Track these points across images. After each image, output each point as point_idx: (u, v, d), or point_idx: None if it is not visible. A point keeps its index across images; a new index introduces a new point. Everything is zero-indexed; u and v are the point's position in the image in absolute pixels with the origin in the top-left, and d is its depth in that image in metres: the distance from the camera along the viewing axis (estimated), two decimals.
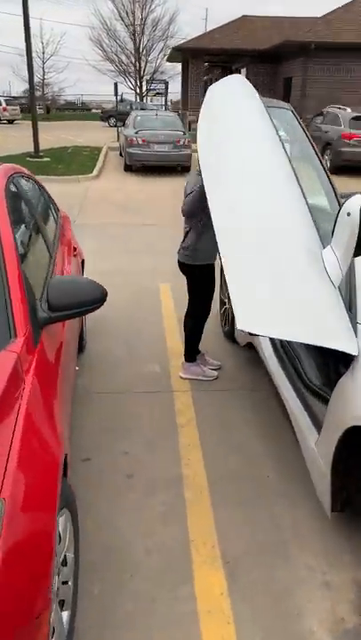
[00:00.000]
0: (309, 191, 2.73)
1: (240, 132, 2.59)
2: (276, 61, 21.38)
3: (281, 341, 3.23)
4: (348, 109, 13.95)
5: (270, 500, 2.54)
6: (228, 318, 4.17)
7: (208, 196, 2.33)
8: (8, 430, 1.52)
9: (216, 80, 2.90)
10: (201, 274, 3.42)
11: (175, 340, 4.28)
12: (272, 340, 3.31)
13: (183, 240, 3.36)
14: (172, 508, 2.50)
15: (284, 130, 3.12)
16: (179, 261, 3.44)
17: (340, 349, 2.09)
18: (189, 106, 22.86)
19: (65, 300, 2.11)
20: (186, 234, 3.33)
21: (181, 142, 12.96)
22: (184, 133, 13.38)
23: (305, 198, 2.49)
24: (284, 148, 2.62)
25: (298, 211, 2.39)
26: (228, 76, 2.83)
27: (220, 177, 2.44)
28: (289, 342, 3.13)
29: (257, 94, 2.73)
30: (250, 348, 3.63)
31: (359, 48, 18.60)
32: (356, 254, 2.22)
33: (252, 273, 2.15)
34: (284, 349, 3.15)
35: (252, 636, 1.90)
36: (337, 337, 2.10)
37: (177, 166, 13.17)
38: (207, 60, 23.17)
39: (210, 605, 2.01)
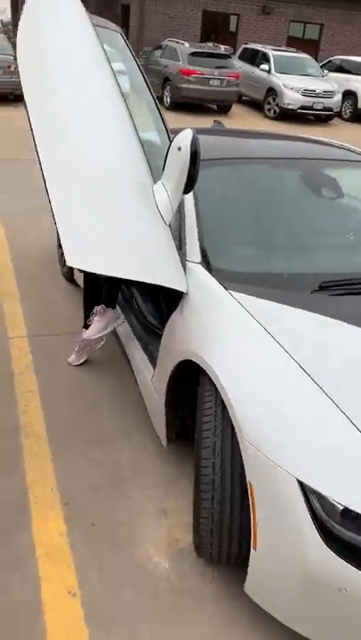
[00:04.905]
0: (141, 125, 2.64)
1: (67, 57, 2.37)
2: None
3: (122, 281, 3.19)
4: (187, 44, 13.82)
5: (110, 442, 2.56)
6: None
7: (33, 126, 2.12)
8: None
9: None
10: None
11: None
12: None
13: None
14: (7, 458, 2.41)
15: (117, 57, 2.96)
16: None
17: (171, 287, 2.11)
18: None
19: None
20: None
21: (13, 68, 11.90)
22: (15, 58, 12.26)
23: (136, 132, 2.40)
24: (115, 76, 2.48)
25: (128, 145, 2.31)
26: None
27: (45, 105, 2.23)
28: (126, 282, 3.11)
29: (84, 10, 2.51)
30: None
31: None
32: (185, 191, 2.21)
33: (82, 208, 2.04)
34: (122, 290, 3.12)
35: (91, 571, 1.93)
36: (167, 274, 2.11)
37: (9, 94, 12.13)
38: None
39: (48, 548, 2.00)
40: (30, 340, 3.33)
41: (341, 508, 1.43)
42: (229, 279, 2.14)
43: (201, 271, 2.20)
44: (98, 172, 2.15)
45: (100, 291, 3.03)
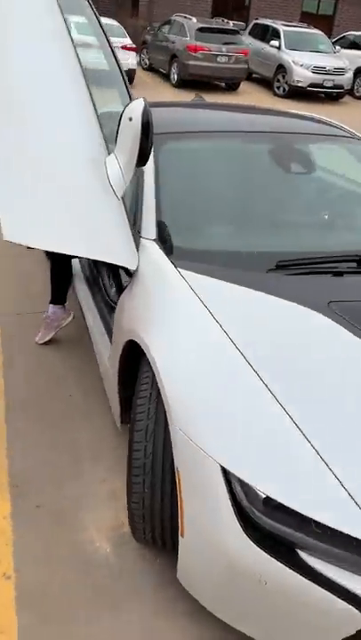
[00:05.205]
0: (105, 97, 2.55)
1: (21, 23, 2.27)
2: None
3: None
4: (194, 19, 13.49)
5: (70, 422, 2.52)
6: None
7: None
8: None
9: None
10: None
11: None
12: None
13: None
14: None
15: (86, 27, 2.85)
16: None
17: (119, 264, 2.03)
18: None
19: None
20: None
21: None
22: None
23: (93, 103, 2.30)
24: (74, 45, 2.37)
25: (82, 116, 2.21)
26: None
27: None
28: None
29: None
30: None
31: None
32: (138, 164, 2.11)
33: (24, 179, 1.94)
34: (90, 266, 3.05)
35: (29, 554, 1.89)
36: (116, 251, 2.03)
37: None
38: None
39: None
40: (2, 319, 3.28)
41: (264, 496, 1.36)
42: (184, 257, 2.05)
43: (154, 248, 2.12)
44: (46, 143, 2.06)
45: (67, 266, 2.97)
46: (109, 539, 1.98)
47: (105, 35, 2.76)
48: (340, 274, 2.06)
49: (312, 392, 1.52)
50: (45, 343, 3.04)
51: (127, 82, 2.67)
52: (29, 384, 2.74)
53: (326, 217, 2.63)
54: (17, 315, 3.31)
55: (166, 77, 14.02)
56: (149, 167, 2.38)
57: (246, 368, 1.56)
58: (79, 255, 1.99)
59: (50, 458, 2.31)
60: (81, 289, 2.96)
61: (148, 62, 15.23)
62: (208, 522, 1.44)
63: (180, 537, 1.56)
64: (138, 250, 2.13)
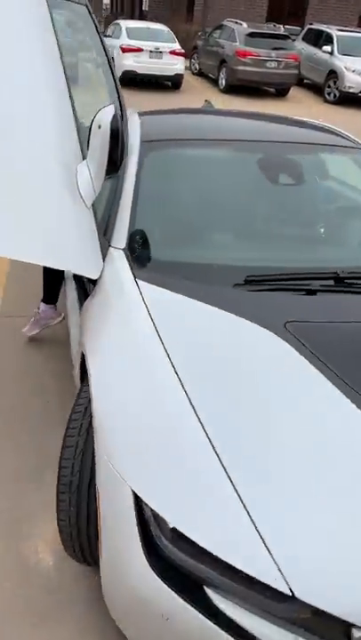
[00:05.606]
0: (96, 104, 2.53)
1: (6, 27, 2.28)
2: None
3: None
4: (245, 24, 13.39)
5: (44, 429, 2.51)
6: None
7: None
8: None
9: None
10: None
11: None
12: None
13: None
14: None
15: (81, 31, 2.85)
16: None
17: (79, 273, 2.00)
18: None
19: None
20: None
21: None
22: None
23: (73, 109, 2.28)
24: (60, 53, 2.36)
25: (59, 123, 2.19)
26: None
27: None
28: None
29: None
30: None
31: None
32: (108, 172, 2.08)
33: None
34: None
35: None
36: (78, 260, 2.00)
37: None
38: None
39: None
40: None
41: (171, 526, 1.29)
42: (149, 269, 2.00)
43: (121, 258, 2.08)
44: (16, 148, 2.04)
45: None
46: (54, 551, 1.95)
47: (99, 35, 2.74)
48: (311, 292, 1.96)
49: (242, 420, 1.43)
50: (31, 342, 3.06)
51: (119, 86, 2.64)
52: (8, 388, 2.75)
53: (322, 230, 2.51)
54: (15, 317, 3.34)
55: (215, 82, 13.98)
56: (130, 175, 2.34)
57: (178, 391, 1.48)
58: (39, 264, 1.97)
59: (16, 463, 2.30)
60: (70, 292, 2.95)
61: (198, 67, 15.25)
62: (119, 547, 1.39)
63: (100, 557, 1.52)
64: (105, 259, 2.09)
